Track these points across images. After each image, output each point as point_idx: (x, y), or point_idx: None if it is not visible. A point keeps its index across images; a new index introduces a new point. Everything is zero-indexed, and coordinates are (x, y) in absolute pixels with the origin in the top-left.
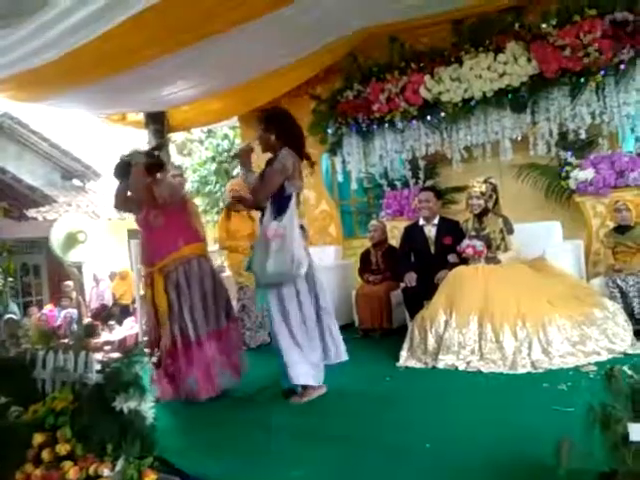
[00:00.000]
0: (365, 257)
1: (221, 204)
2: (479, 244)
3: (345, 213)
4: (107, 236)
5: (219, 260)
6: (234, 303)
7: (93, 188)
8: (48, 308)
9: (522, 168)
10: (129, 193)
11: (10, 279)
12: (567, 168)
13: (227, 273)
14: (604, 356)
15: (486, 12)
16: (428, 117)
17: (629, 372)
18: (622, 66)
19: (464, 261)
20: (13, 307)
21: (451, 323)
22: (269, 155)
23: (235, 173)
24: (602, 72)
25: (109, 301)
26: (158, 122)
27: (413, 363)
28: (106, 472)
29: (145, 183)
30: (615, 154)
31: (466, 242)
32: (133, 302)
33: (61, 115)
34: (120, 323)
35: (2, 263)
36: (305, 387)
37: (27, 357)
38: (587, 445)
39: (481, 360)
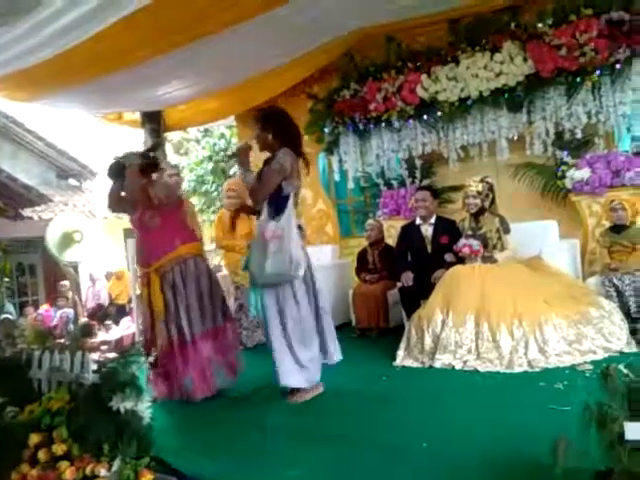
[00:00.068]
0: (362, 256)
1: (218, 203)
2: (476, 243)
3: (342, 212)
4: (103, 235)
5: (216, 259)
6: (231, 302)
7: (89, 187)
8: (44, 308)
9: (518, 167)
10: (123, 194)
11: (6, 279)
12: (563, 167)
13: (224, 272)
14: (600, 355)
15: (482, 12)
16: (425, 116)
17: (625, 371)
18: (618, 65)
19: (461, 260)
20: (9, 307)
21: (448, 322)
22: (267, 154)
23: (232, 172)
24: (598, 72)
25: (105, 301)
26: (154, 121)
27: (410, 362)
28: (103, 472)
29: (140, 184)
30: (611, 153)
31: (463, 241)
32: (129, 302)
33: (57, 114)
34: (117, 323)
35: None
36: (301, 387)
37: (23, 357)
38: (583, 444)
39: (478, 359)
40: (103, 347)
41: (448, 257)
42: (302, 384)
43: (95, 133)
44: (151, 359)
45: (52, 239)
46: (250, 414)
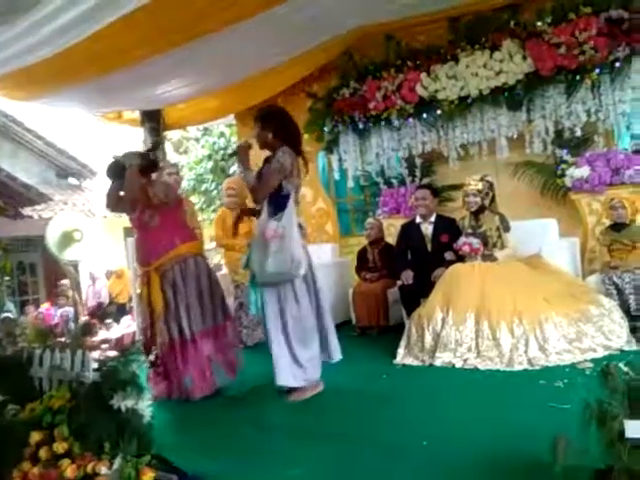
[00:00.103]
0: (362, 255)
1: (217, 202)
2: (476, 242)
3: (342, 211)
4: (103, 234)
5: (216, 258)
6: (231, 301)
7: (89, 186)
8: (45, 307)
9: (518, 166)
10: (121, 193)
11: (6, 278)
12: (563, 166)
13: (224, 271)
14: (600, 353)
15: (482, 10)
16: (424, 115)
17: (625, 369)
18: (617, 64)
19: (461, 259)
20: (9, 306)
21: (448, 321)
22: (267, 152)
23: (232, 171)
24: (597, 70)
25: (106, 299)
26: (154, 120)
27: (410, 361)
28: (104, 470)
29: (140, 184)
30: (611, 152)
31: (463, 240)
32: (130, 300)
33: (56, 113)
34: (117, 321)
35: None
36: (300, 385)
37: (24, 355)
38: (583, 442)
39: (478, 357)
40: (104, 346)
41: (448, 255)
42: (299, 384)
43: (94, 132)
44: (151, 358)
45: (52, 238)
46: (250, 412)
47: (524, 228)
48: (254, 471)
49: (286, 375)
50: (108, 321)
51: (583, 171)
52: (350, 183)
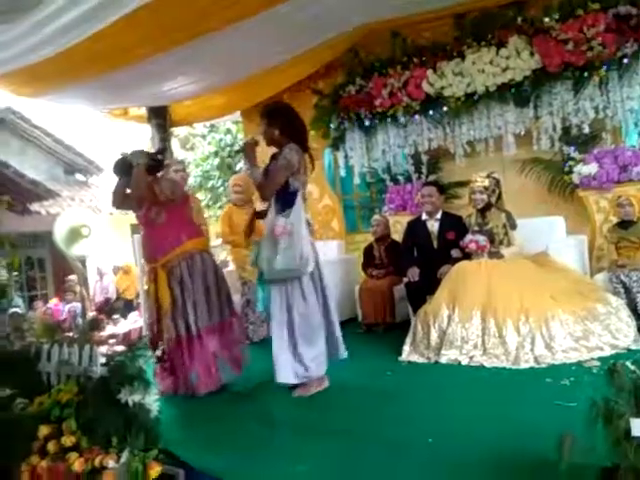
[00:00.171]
0: (368, 252)
1: (224, 199)
2: (482, 239)
3: (348, 208)
4: (110, 230)
5: (222, 255)
6: (238, 298)
7: (96, 183)
8: (53, 302)
9: (525, 163)
10: (128, 191)
11: (15, 273)
12: (570, 163)
13: (230, 268)
14: (607, 352)
15: (488, 6)
16: (431, 112)
17: (632, 367)
18: (625, 60)
19: (467, 256)
20: (18, 301)
21: (454, 318)
22: (273, 149)
23: (238, 168)
24: (605, 66)
25: (113, 295)
26: (160, 117)
27: (416, 358)
28: (111, 464)
29: (147, 182)
30: (618, 148)
31: (469, 237)
32: (137, 296)
33: (63, 110)
34: (124, 317)
35: (6, 257)
36: (305, 382)
37: (32, 350)
38: (589, 440)
39: (484, 355)
40: (111, 341)
41: (454, 253)
42: (300, 380)
43: (101, 129)
44: (158, 353)
45: (60, 233)
46: (255, 408)
47: (531, 225)
48: (259, 466)
49: (286, 373)
50: (115, 316)
51: (591, 168)
52: (356, 180)
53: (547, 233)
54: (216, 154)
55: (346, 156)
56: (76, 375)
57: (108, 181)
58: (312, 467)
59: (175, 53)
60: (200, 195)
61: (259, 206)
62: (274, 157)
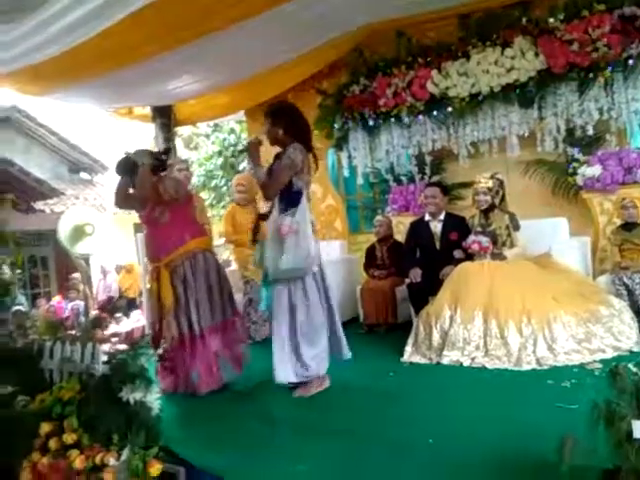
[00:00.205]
0: (370, 252)
1: (227, 198)
2: (485, 240)
3: (351, 208)
4: (114, 229)
5: (225, 254)
6: (240, 297)
7: (100, 181)
8: (56, 300)
9: (529, 164)
10: (131, 191)
11: (18, 271)
12: (574, 164)
13: (233, 267)
14: (609, 354)
15: (493, 7)
16: (435, 112)
17: (634, 369)
18: (631, 61)
19: (470, 257)
20: (21, 299)
21: (456, 319)
22: (277, 149)
23: (241, 167)
24: (610, 67)
25: (116, 293)
26: (165, 116)
27: (418, 359)
28: (112, 461)
29: (151, 182)
30: (623, 150)
31: (472, 238)
32: (140, 295)
33: (69, 109)
34: (127, 315)
35: (10, 255)
36: (305, 382)
37: (35, 347)
38: (591, 442)
39: (486, 356)
40: (113, 339)
41: (457, 254)
42: (299, 379)
43: (106, 127)
44: (160, 352)
45: (64, 232)
46: (256, 407)
47: (534, 227)
48: (260, 465)
49: (285, 372)
50: (118, 315)
51: (595, 170)
52: (359, 180)
53: (550, 235)
54: (220, 154)
55: (349, 156)
56: (78, 373)
57: (112, 180)
58: (313, 467)
59: (181, 52)
60: (203, 194)
61: (263, 207)
62: (278, 157)
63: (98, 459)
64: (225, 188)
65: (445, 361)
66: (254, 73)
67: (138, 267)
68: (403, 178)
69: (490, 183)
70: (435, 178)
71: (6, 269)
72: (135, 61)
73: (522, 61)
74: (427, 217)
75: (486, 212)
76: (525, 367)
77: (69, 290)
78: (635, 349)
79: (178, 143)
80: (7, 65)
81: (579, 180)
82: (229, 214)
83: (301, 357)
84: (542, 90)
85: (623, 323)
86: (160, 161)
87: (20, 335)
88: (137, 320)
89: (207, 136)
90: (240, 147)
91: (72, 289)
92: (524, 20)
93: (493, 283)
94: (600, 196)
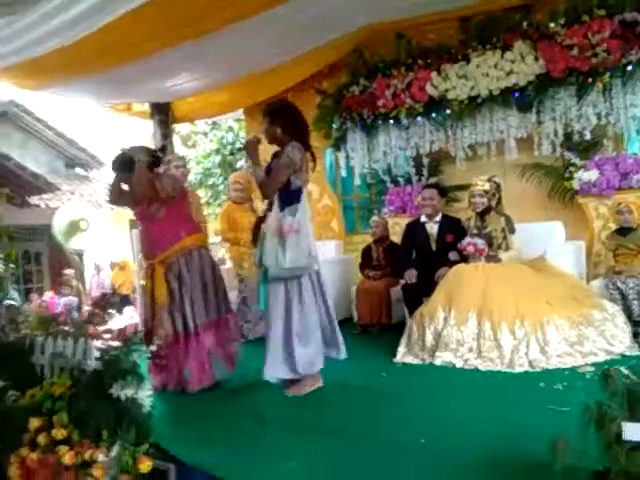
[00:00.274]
0: (366, 253)
1: (224, 196)
2: (480, 242)
3: (347, 208)
4: (109, 225)
5: (220, 252)
6: (234, 295)
7: (97, 177)
8: (49, 295)
9: (526, 168)
10: (125, 187)
11: (11, 266)
12: (571, 169)
13: (228, 265)
14: (601, 357)
15: (493, 10)
16: (433, 114)
17: (626, 372)
18: (630, 67)
19: (465, 259)
20: (13, 293)
21: (450, 320)
22: (276, 147)
23: (239, 166)
24: (609, 73)
25: (109, 290)
26: (163, 113)
27: (410, 359)
28: (101, 458)
29: (148, 178)
30: (620, 156)
31: (467, 240)
32: (133, 292)
33: (66, 104)
34: (120, 312)
35: (3, 250)
36: (298, 379)
37: (26, 342)
38: (582, 443)
39: (479, 358)
40: (106, 335)
41: (452, 255)
42: (288, 376)
43: (103, 123)
44: (152, 348)
45: (59, 227)
46: (248, 405)
47: (530, 230)
48: (251, 463)
49: (274, 369)
50: (111, 311)
51: (591, 174)
52: (357, 181)
53: (546, 238)
54: (217, 152)
55: (347, 156)
56: (70, 368)
57: (109, 176)
58: (304, 465)
59: (181, 49)
60: (200, 192)
61: (259, 205)
62: (276, 155)
63: (87, 455)
64: (222, 186)
65: (438, 362)
66: (253, 72)
67: (132, 264)
68: (400, 179)
69: (487, 186)
70: (432, 180)
71: None
72: (137, 57)
73: (522, 65)
74: (423, 218)
75: (482, 214)
76: (517, 369)
77: (62, 286)
78: (627, 353)
79: (176, 140)
80: (7, 58)
81: (575, 184)
82: (225, 212)
83: (293, 355)
84: (541, 94)
85: (616, 327)
86: (156, 158)
87: (12, 330)
88: (130, 317)
89: (205, 134)
90: (238, 145)
91: (65, 285)
92: (524, 24)
93: (487, 285)
94: (596, 201)
